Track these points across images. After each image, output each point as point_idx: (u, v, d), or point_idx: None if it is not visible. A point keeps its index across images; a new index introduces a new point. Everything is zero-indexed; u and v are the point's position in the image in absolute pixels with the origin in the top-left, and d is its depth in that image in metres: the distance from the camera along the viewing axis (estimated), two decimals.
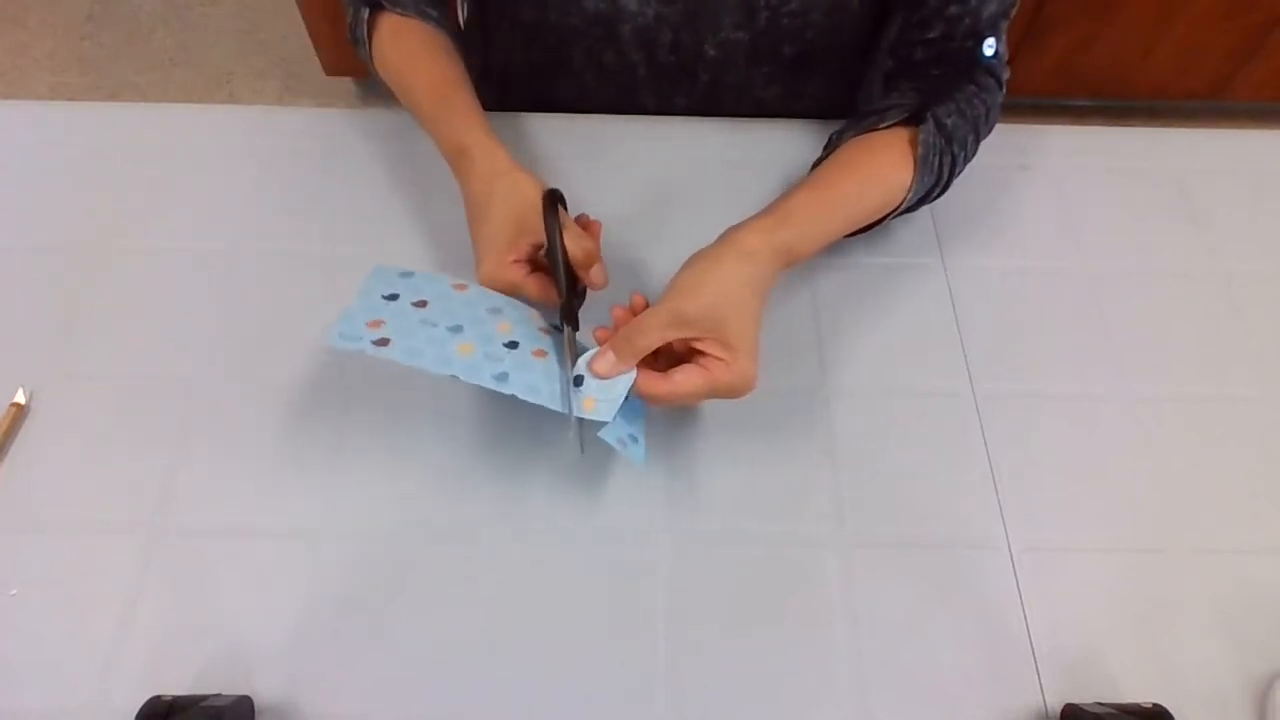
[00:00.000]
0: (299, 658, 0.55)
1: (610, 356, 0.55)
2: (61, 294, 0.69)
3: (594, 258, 0.62)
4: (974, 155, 0.70)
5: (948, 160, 0.67)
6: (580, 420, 0.55)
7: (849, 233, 0.66)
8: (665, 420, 0.64)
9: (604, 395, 0.55)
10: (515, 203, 0.61)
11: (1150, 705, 0.52)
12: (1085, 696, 0.54)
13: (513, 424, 0.64)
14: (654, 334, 0.55)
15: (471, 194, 0.64)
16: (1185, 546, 0.61)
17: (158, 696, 0.51)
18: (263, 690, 0.53)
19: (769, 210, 0.60)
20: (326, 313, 0.68)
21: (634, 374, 0.55)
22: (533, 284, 0.61)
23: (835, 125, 0.73)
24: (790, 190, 0.63)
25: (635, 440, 0.57)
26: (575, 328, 0.59)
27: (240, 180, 0.76)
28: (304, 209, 0.74)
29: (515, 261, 0.61)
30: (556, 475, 0.62)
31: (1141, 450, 0.65)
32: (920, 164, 0.65)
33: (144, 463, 0.61)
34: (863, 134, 0.68)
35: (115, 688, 0.53)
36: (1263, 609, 0.58)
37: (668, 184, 0.77)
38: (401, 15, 0.71)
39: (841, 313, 0.70)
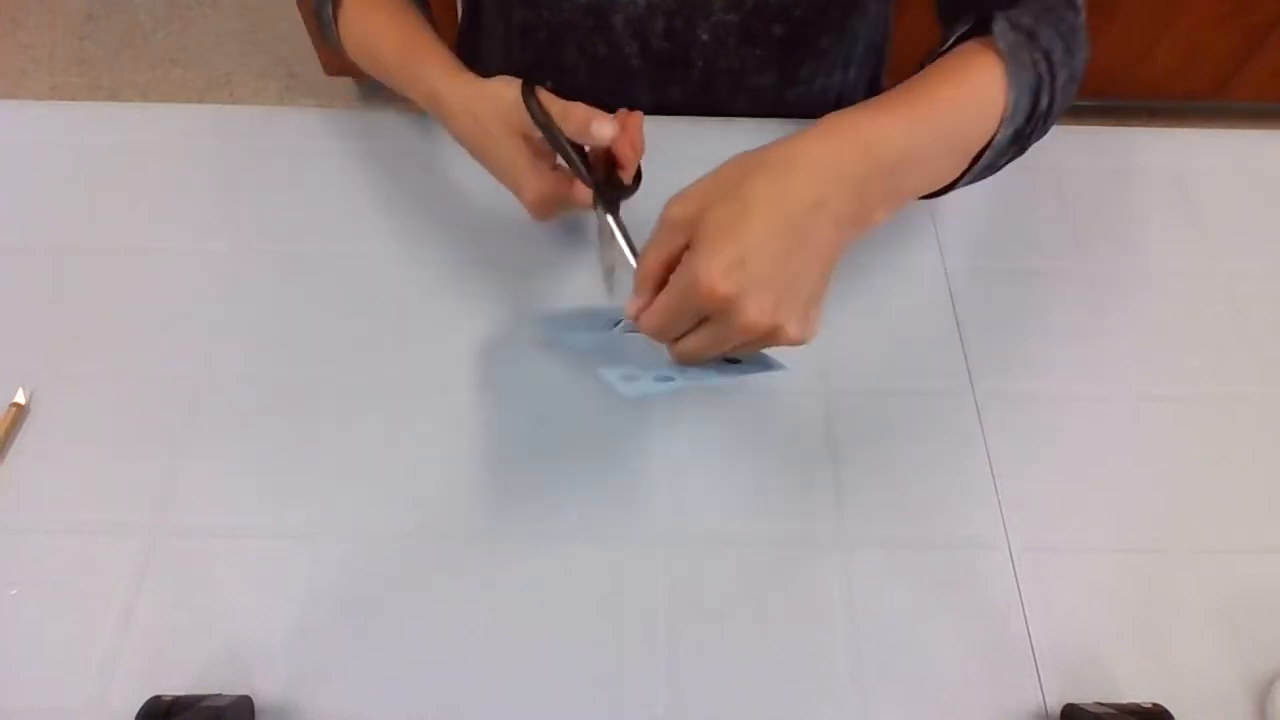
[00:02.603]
0: (299, 658, 0.55)
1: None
2: (61, 294, 0.69)
3: (589, 120, 0.55)
4: (1076, 77, 0.58)
5: (1040, 58, 0.55)
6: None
7: (949, 170, 0.55)
8: (665, 420, 0.64)
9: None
10: (504, 115, 0.58)
11: (1150, 705, 0.52)
12: (1085, 696, 0.54)
13: (513, 425, 0.64)
14: (649, 254, 0.49)
15: (462, 133, 0.61)
16: (1185, 547, 0.61)
17: (158, 696, 0.51)
18: (263, 690, 0.53)
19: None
20: (326, 313, 0.68)
21: None
22: (580, 189, 0.58)
23: None
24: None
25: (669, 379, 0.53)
26: (614, 212, 0.55)
27: (240, 180, 0.76)
28: (304, 209, 0.74)
29: (554, 169, 0.58)
30: (556, 475, 0.62)
31: (1142, 450, 0.65)
32: (1010, 60, 0.53)
33: (144, 463, 0.61)
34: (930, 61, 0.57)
35: (115, 688, 0.53)
36: (1263, 609, 0.58)
37: (665, 184, 0.76)
38: None
39: (841, 313, 0.70)
